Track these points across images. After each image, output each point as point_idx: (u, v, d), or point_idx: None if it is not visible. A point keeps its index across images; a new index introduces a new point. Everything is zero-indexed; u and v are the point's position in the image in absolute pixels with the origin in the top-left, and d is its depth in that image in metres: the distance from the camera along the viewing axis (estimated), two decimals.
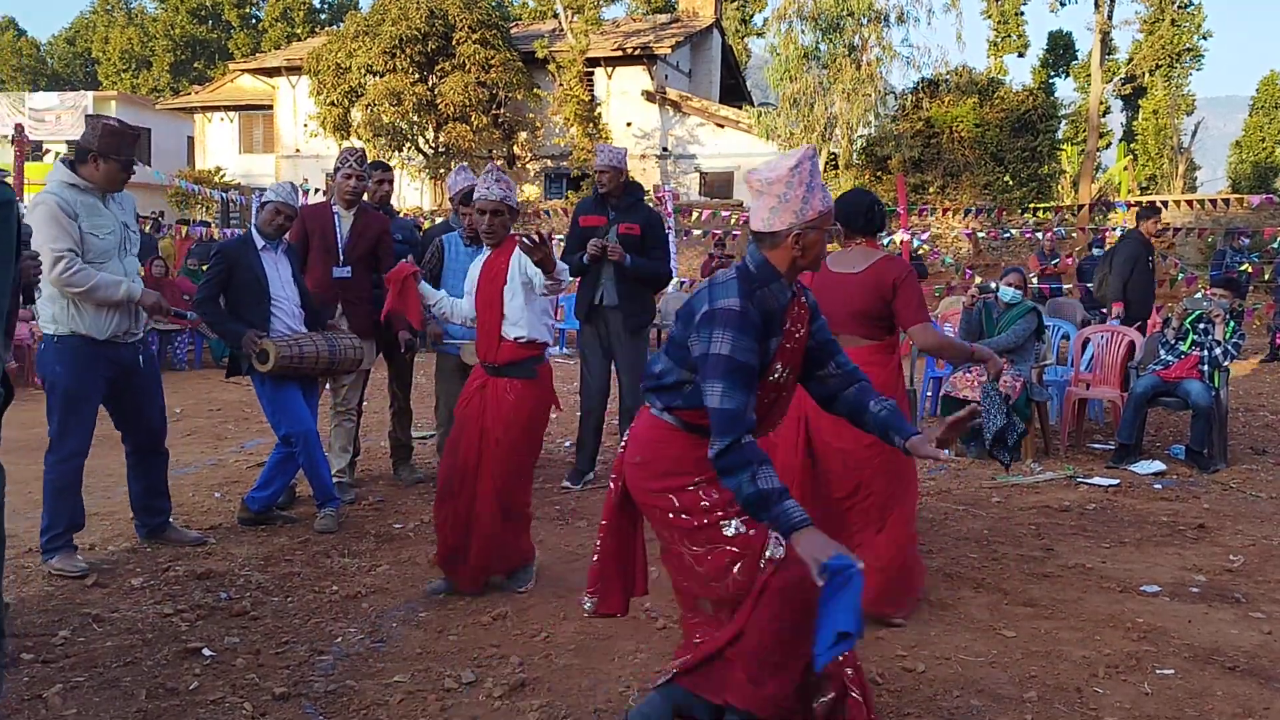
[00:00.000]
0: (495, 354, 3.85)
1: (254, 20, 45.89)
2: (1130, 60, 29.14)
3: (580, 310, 5.71)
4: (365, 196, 5.54)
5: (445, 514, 3.89)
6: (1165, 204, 17.12)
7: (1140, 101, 31.90)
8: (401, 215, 6.41)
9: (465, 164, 6.26)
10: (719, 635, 2.49)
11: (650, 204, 7.38)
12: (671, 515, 2.52)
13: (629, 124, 24.90)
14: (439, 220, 16.63)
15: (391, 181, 5.95)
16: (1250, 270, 12.56)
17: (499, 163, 24.31)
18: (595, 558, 2.75)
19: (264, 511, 4.83)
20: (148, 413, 4.33)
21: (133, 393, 4.23)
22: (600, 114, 24.28)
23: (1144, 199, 19.65)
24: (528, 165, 25.13)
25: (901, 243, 14.00)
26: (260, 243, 4.73)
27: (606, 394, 5.80)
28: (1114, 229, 12.64)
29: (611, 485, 2.69)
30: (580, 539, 4.69)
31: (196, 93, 32.55)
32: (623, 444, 2.69)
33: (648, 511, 2.62)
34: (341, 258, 5.27)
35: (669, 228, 15.52)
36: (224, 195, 18.74)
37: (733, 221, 15.85)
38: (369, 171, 5.41)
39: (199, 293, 4.79)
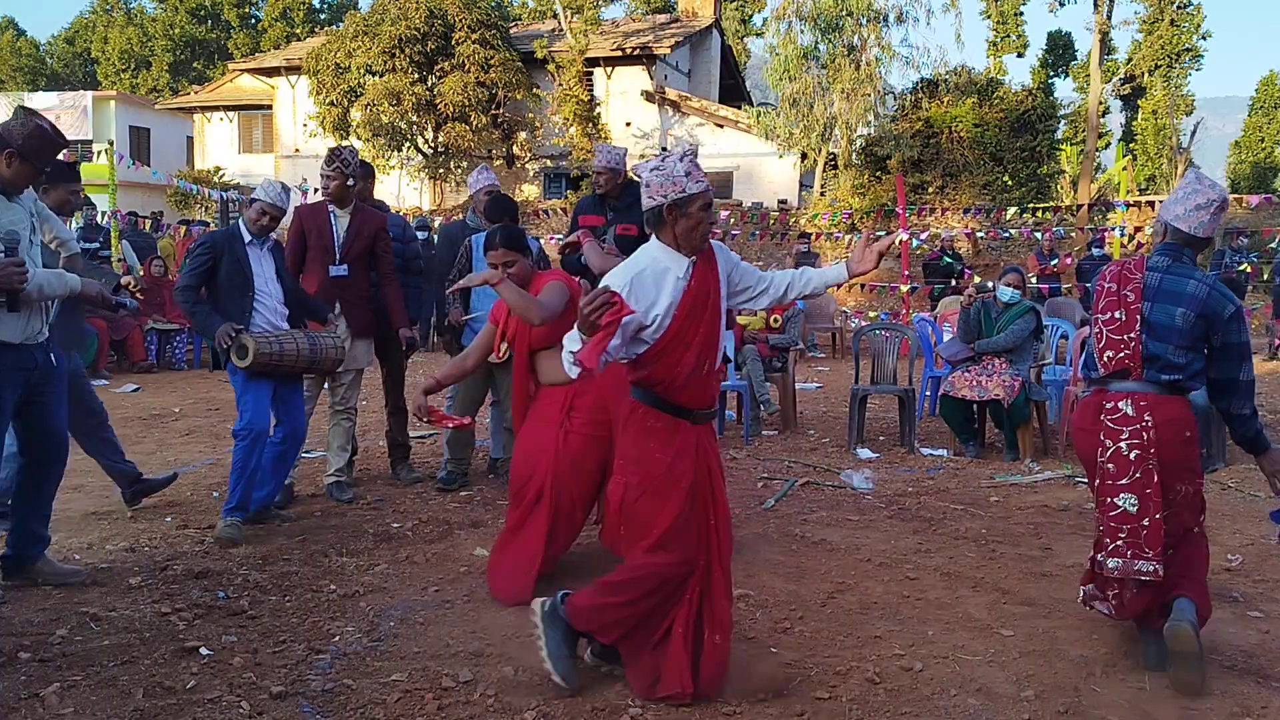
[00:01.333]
0: (714, 393, 3.08)
1: (253, 20, 45.89)
2: (1129, 60, 29.18)
3: None
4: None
5: (684, 624, 2.97)
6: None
7: (1139, 102, 31.93)
8: (398, 214, 6.35)
9: (485, 164, 6.22)
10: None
11: None
12: (1195, 472, 3.26)
13: (628, 124, 24.90)
14: (438, 220, 16.62)
15: (359, 180, 5.71)
16: (1249, 270, 12.57)
17: (499, 162, 24.35)
18: (1152, 527, 3.15)
19: (262, 511, 4.80)
20: (54, 417, 3.88)
21: (40, 396, 3.80)
22: (599, 114, 24.28)
23: (1143, 199, 19.65)
24: (527, 165, 25.14)
25: (901, 243, 14.00)
26: (247, 237, 4.70)
27: None
28: (1113, 229, 12.64)
29: (1150, 464, 3.16)
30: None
31: (196, 92, 32.56)
32: (1149, 429, 3.17)
33: (1181, 474, 3.21)
34: (338, 256, 5.25)
35: None
36: (223, 195, 18.71)
37: (731, 221, 15.83)
38: (353, 170, 5.31)
39: (181, 280, 4.72)
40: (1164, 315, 3.20)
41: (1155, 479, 3.15)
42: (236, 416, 4.64)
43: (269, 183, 4.80)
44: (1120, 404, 3.22)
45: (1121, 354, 3.24)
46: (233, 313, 4.59)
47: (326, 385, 5.45)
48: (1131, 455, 3.18)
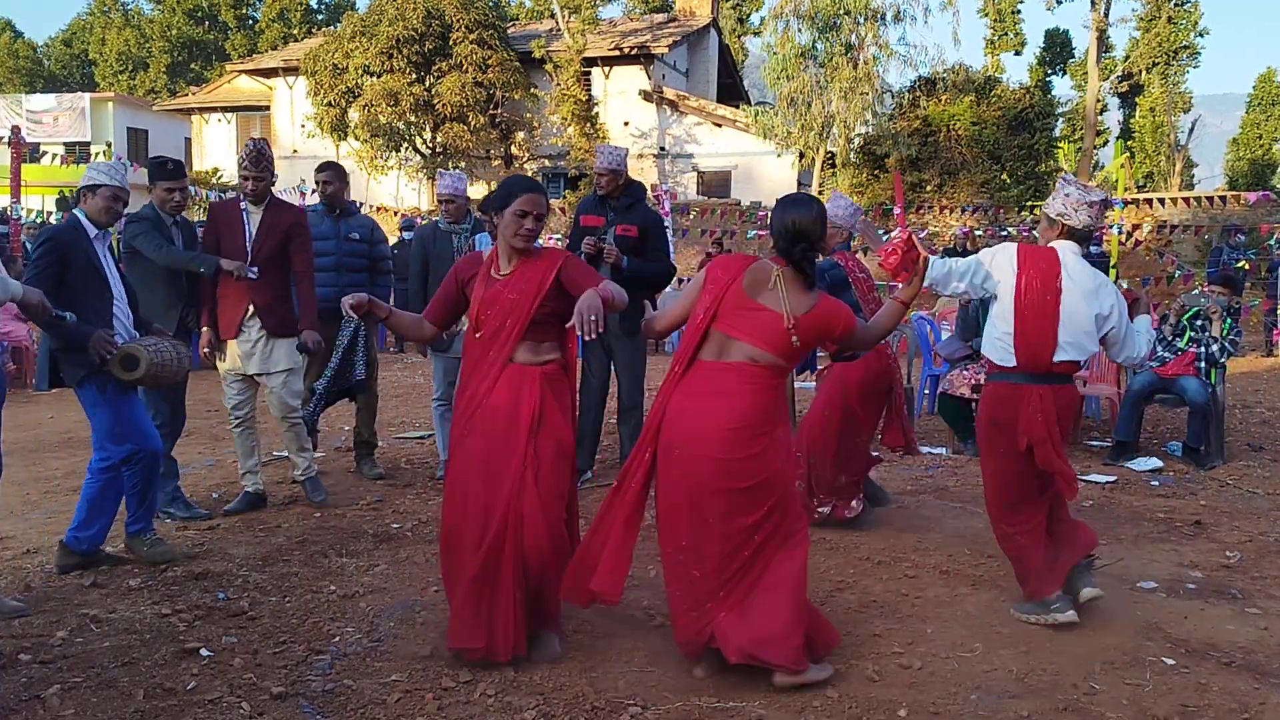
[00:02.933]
0: None
1: (250, 21, 45.88)
2: (1127, 58, 29.20)
3: None
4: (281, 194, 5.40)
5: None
6: (1162, 201, 17.13)
7: (1137, 99, 31.92)
8: (367, 215, 6.17)
9: (455, 170, 6.12)
10: None
11: (650, 203, 7.35)
12: None
13: (626, 123, 24.92)
14: (433, 219, 16.67)
15: (331, 182, 5.72)
16: (1247, 267, 12.57)
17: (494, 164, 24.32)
18: None
19: (92, 553, 4.11)
20: None
21: None
22: (598, 113, 24.30)
23: (1141, 197, 19.67)
24: (525, 165, 25.16)
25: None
26: (92, 231, 4.06)
27: (605, 392, 5.81)
28: (1111, 227, 12.63)
29: None
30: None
31: (194, 94, 32.59)
32: None
33: None
34: (250, 257, 4.89)
35: (665, 227, 15.53)
36: (221, 196, 18.73)
37: (729, 220, 15.85)
38: (265, 169, 4.98)
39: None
40: None
41: None
42: (118, 442, 4.01)
43: (106, 163, 4.20)
44: None
45: None
46: (94, 321, 3.94)
47: (264, 392, 5.14)
48: None
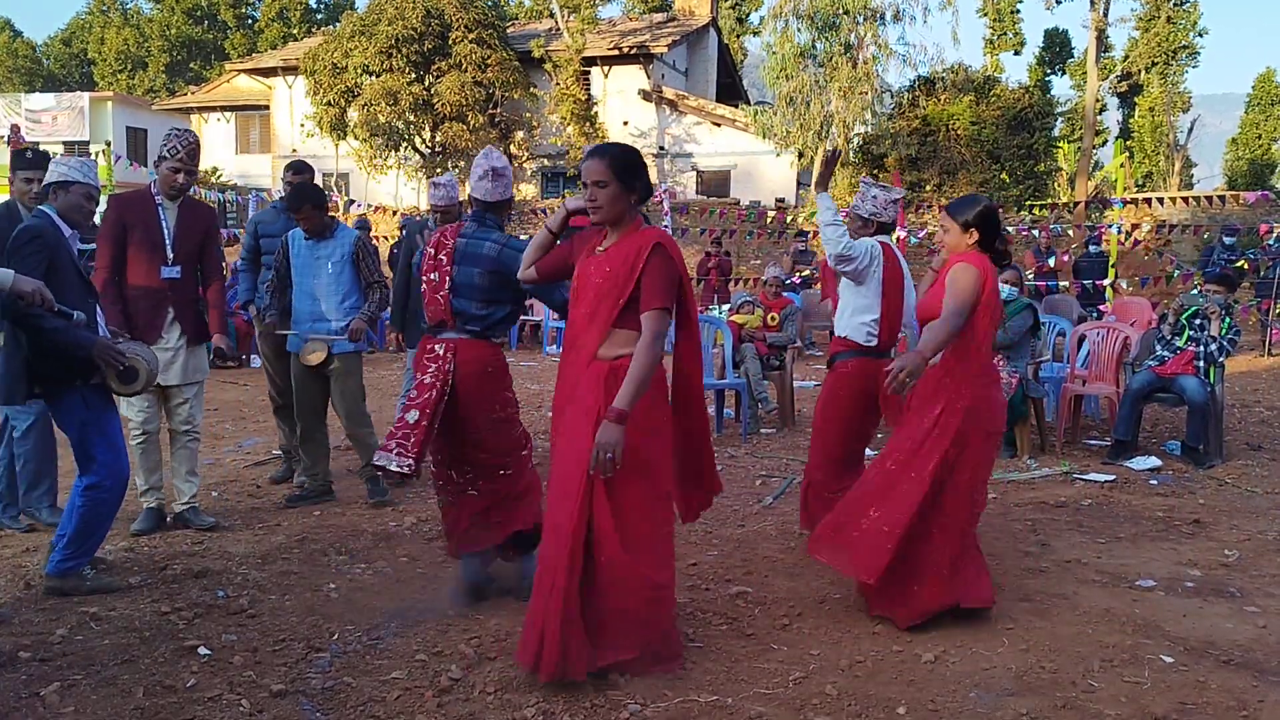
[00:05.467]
0: None
1: (250, 20, 45.85)
2: (1126, 58, 29.19)
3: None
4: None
5: None
6: (1161, 201, 17.12)
7: (1136, 99, 31.93)
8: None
9: (447, 175, 5.98)
10: None
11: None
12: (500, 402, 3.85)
13: (625, 123, 24.93)
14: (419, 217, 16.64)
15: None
16: (1246, 266, 12.57)
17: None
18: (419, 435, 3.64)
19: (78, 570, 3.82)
20: None
21: None
22: (597, 113, 24.31)
23: (1140, 196, 19.69)
24: (525, 164, 25.16)
25: (899, 239, 14.01)
26: (66, 230, 3.81)
27: None
28: (1110, 226, 12.64)
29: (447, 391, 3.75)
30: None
31: (193, 93, 32.59)
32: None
33: (482, 403, 3.78)
34: (170, 256, 4.62)
35: (664, 226, 15.54)
36: (220, 195, 18.72)
37: (731, 219, 15.88)
38: (197, 165, 4.77)
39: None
40: (466, 276, 3.68)
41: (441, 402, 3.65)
42: (100, 461, 3.71)
43: (79, 161, 3.95)
44: (435, 347, 3.73)
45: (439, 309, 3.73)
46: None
47: (170, 404, 4.78)
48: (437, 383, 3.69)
